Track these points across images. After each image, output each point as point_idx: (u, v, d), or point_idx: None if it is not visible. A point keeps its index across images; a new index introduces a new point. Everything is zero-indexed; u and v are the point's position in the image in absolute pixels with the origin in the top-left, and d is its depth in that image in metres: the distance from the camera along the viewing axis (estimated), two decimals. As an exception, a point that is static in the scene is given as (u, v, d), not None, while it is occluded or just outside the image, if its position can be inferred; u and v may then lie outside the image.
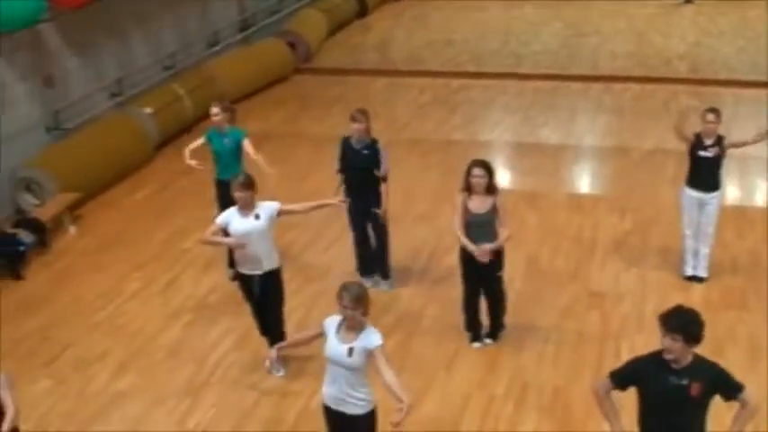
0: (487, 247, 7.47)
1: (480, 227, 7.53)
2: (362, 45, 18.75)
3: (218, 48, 15.80)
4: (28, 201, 11.01)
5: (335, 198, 8.19)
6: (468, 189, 7.55)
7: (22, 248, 9.83)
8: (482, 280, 7.83)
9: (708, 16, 19.30)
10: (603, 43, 17.84)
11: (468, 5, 20.85)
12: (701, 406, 4.94)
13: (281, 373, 7.74)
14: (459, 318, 8.34)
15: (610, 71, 15.90)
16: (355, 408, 5.61)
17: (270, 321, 7.70)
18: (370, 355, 5.46)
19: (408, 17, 21.03)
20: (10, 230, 10.10)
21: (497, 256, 7.67)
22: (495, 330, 8.11)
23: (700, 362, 4.92)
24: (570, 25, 19.30)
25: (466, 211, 7.55)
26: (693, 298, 8.34)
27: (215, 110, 8.96)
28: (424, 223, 10.46)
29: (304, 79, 16.53)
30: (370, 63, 17.12)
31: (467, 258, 7.68)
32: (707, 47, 17.07)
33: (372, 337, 5.48)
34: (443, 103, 14.84)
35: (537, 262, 9.39)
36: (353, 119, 8.57)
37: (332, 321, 5.58)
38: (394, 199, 10.75)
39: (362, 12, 20.91)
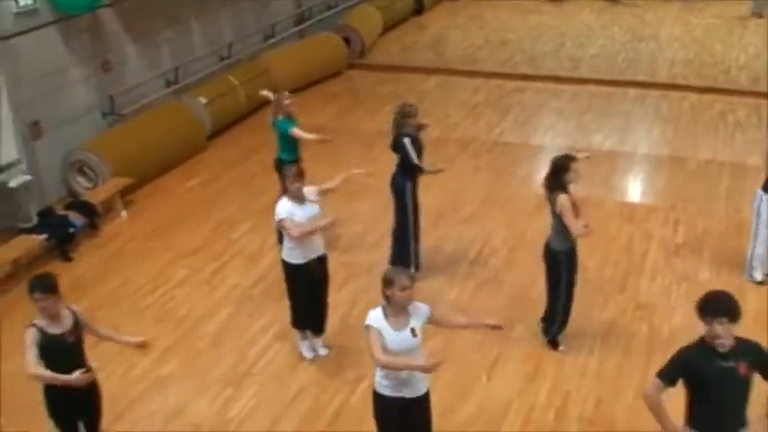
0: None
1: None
2: (417, 43, 18.70)
3: (273, 40, 15.89)
4: (81, 184, 11.18)
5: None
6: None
7: (72, 230, 9.98)
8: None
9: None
10: (661, 50, 17.57)
11: (525, 7, 20.73)
12: (748, 384, 5.04)
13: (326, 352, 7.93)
14: (501, 323, 8.29)
15: (667, 79, 15.64)
16: (423, 383, 5.63)
17: (323, 305, 7.86)
18: (430, 321, 5.60)
19: (464, 16, 20.93)
20: (61, 212, 10.26)
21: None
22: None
23: (741, 342, 5.01)
24: (628, 30, 19.05)
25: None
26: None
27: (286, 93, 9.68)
28: (471, 224, 10.40)
29: (357, 75, 16.54)
30: (423, 61, 17.06)
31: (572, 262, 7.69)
32: (769, 59, 16.74)
33: (421, 309, 5.57)
34: (496, 104, 14.74)
35: (585, 271, 9.21)
36: (411, 115, 8.79)
37: (376, 318, 5.52)
38: (441, 198, 10.80)
39: (418, 10, 20.87)
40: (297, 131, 9.36)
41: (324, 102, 14.83)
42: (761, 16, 19.34)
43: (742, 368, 4.93)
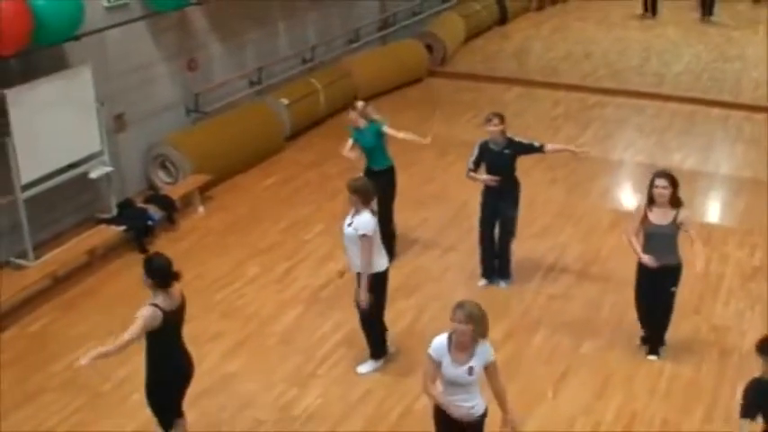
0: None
1: (660, 239, 7.49)
2: (499, 53, 18.63)
3: (356, 45, 16.01)
4: (161, 178, 11.43)
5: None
6: (651, 200, 7.48)
7: (150, 223, 10.22)
8: (656, 293, 7.73)
9: None
10: (747, 70, 17.16)
11: (611, 20, 20.49)
12: None
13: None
14: (570, 339, 8.24)
15: (752, 100, 15.28)
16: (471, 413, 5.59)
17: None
18: (486, 367, 5.48)
19: (548, 28, 20.77)
20: (141, 205, 10.52)
21: (676, 271, 7.66)
22: (656, 345, 7.98)
23: None
24: (713, 49, 18.66)
25: (646, 221, 7.50)
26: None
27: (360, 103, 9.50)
28: (544, 238, 10.32)
29: (438, 82, 16.55)
30: (505, 71, 17.00)
31: (644, 272, 7.66)
32: None
33: (487, 352, 5.47)
34: (576, 117, 14.59)
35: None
36: (488, 120, 8.71)
37: (437, 347, 5.49)
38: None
39: (502, 19, 20.79)
40: (390, 130, 9.18)
41: (402, 107, 14.85)
42: None
43: None
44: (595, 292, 9.11)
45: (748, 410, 5.42)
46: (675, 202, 7.48)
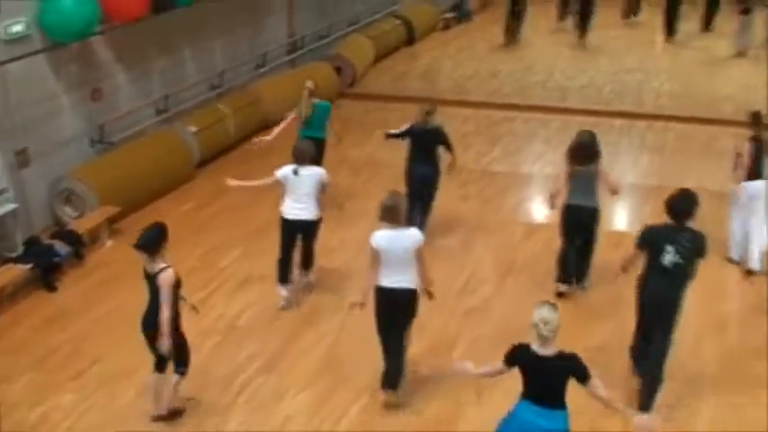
0: None
1: (582, 181, 8.97)
2: (408, 73, 18.81)
3: (265, 69, 15.96)
4: (67, 212, 11.14)
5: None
6: None
7: (56, 260, 9.93)
8: (579, 233, 9.22)
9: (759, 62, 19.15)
10: (648, 81, 17.74)
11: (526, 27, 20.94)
12: None
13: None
14: (489, 351, 8.30)
15: (653, 109, 15.77)
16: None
17: None
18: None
19: (455, 47, 21.09)
20: (47, 241, 10.22)
21: (595, 213, 9.17)
22: (582, 275, 9.49)
23: None
24: (615, 61, 19.22)
25: (571, 169, 8.99)
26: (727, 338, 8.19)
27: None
28: (459, 252, 10.41)
29: (348, 104, 16.60)
30: (414, 91, 17.13)
31: (569, 216, 9.19)
32: (755, 89, 16.80)
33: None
34: (486, 133, 14.81)
35: (571, 297, 9.28)
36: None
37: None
38: (429, 226, 10.83)
39: (410, 40, 21.02)
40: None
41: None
42: (743, 55, 19.47)
43: None
44: (512, 304, 9.21)
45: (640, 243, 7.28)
46: (595, 155, 8.90)
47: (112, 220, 11.07)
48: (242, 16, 15.30)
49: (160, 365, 7.16)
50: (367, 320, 8.83)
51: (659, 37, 21.02)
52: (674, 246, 7.12)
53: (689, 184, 9.72)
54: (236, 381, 7.99)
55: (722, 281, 9.73)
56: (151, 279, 6.92)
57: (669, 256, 7.13)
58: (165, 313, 6.72)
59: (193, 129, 13.08)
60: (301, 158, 8.85)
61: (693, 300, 8.18)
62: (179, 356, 7.15)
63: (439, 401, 7.63)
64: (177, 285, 6.91)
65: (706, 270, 7.90)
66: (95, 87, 11.89)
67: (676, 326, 7.31)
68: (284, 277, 9.16)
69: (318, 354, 8.38)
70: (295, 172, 8.79)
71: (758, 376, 7.97)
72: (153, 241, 6.93)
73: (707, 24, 21.78)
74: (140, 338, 8.62)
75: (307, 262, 9.50)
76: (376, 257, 7.16)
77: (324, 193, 8.98)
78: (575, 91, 17.14)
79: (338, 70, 16.99)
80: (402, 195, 7.65)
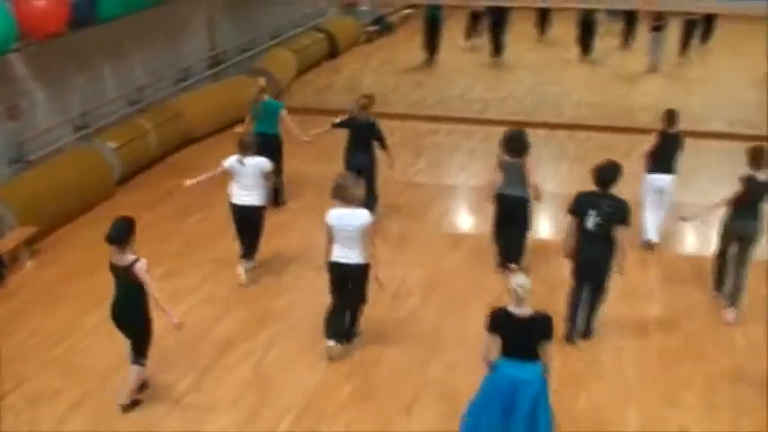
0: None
1: (512, 171, 9.68)
2: (331, 86, 18.85)
3: (187, 83, 15.82)
4: (-15, 234, 10.85)
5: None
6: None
7: (-23, 282, 9.69)
8: (510, 220, 10.06)
9: (675, 69, 19.74)
10: (568, 92, 18.13)
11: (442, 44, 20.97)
12: None
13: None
14: (418, 362, 8.38)
15: (573, 119, 16.12)
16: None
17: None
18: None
19: (377, 60, 21.23)
20: (-35, 264, 9.96)
21: (525, 201, 9.93)
22: (517, 258, 9.88)
23: None
24: (535, 73, 19.60)
25: (503, 162, 9.69)
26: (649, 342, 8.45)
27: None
28: (385, 265, 10.38)
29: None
30: (338, 103, 17.10)
31: (501, 205, 10.00)
32: (672, 99, 17.29)
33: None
34: (410, 145, 14.93)
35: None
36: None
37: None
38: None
39: (333, 53, 21.07)
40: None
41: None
42: (654, 71, 19.93)
43: None
44: (439, 314, 9.31)
45: (570, 209, 8.27)
46: (523, 148, 9.62)
47: (32, 241, 10.82)
48: (162, 30, 15.15)
49: (145, 354, 7.63)
50: (294, 336, 8.88)
51: (574, 53, 21.36)
52: (596, 210, 8.18)
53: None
54: (164, 400, 7.89)
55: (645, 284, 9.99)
56: (121, 271, 7.29)
57: (592, 219, 8.19)
58: (157, 296, 7.26)
59: (113, 145, 12.87)
60: (244, 149, 9.66)
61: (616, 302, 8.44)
62: (142, 347, 7.59)
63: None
64: None
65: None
66: (12, 105, 11.64)
67: (606, 282, 8.43)
68: (245, 252, 10.00)
69: (245, 371, 8.33)
70: (240, 161, 9.60)
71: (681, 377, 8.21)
72: (123, 234, 7.27)
73: (626, 41, 22.12)
74: (65, 359, 8.57)
75: (250, 249, 10.09)
76: (329, 233, 8.04)
77: (268, 183, 9.83)
78: (495, 103, 17.42)
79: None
80: (353, 176, 8.41)
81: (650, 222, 10.78)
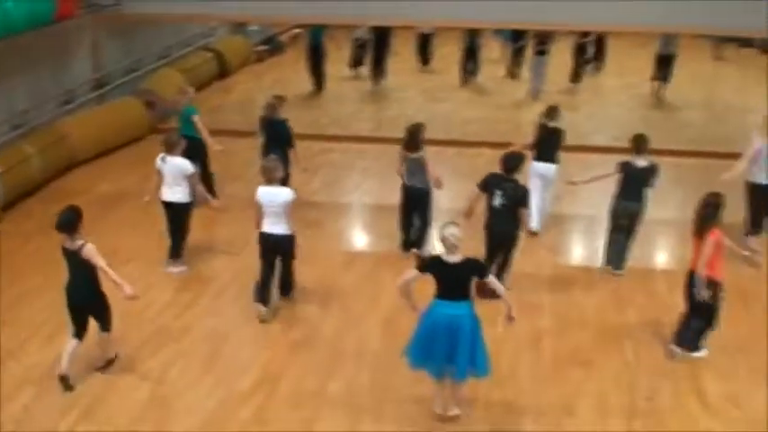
0: None
1: (414, 166, 10.82)
2: (223, 106, 18.68)
3: (72, 106, 15.43)
4: None
5: None
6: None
7: None
8: (414, 208, 11.17)
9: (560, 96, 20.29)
10: (457, 110, 18.44)
11: (327, 71, 20.81)
12: None
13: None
14: (317, 380, 8.36)
15: (463, 136, 16.40)
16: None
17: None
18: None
19: (269, 79, 21.16)
20: None
21: (426, 192, 11.10)
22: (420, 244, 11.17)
23: None
24: (424, 92, 19.84)
25: (405, 157, 10.84)
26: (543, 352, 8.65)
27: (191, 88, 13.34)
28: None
29: (161, 139, 16.22)
30: (230, 124, 17.00)
31: (405, 195, 11.15)
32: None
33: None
34: (305, 164, 14.87)
35: (394, 322, 9.48)
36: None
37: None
38: (256, 258, 10.85)
39: (223, 73, 20.89)
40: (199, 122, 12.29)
41: (127, 168, 14.50)
42: (536, 99, 19.39)
43: None
44: (337, 330, 9.32)
45: (480, 186, 9.72)
46: (418, 144, 10.73)
47: None
48: (45, 52, 14.73)
49: (80, 334, 8.24)
50: (192, 357, 8.73)
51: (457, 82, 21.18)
52: (501, 191, 9.56)
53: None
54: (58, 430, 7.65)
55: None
56: (71, 255, 7.95)
57: (498, 199, 9.60)
58: (110, 272, 7.86)
59: (-6, 170, 12.44)
60: (167, 148, 10.37)
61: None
62: (104, 317, 8.31)
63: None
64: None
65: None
66: None
67: (513, 250, 9.91)
68: (170, 253, 10.64)
69: (141, 396, 8.14)
70: (162, 159, 10.28)
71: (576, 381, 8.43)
72: (71, 222, 7.90)
73: (512, 73, 21.49)
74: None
75: (174, 249, 10.66)
76: (259, 208, 9.17)
77: (191, 183, 10.37)
78: (387, 121, 17.58)
79: (149, 105, 16.66)
80: (277, 159, 9.53)
81: (534, 212, 11.22)
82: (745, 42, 24.88)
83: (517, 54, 21.15)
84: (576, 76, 20.52)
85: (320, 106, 18.64)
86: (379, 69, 20.56)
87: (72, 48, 15.91)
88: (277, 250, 9.47)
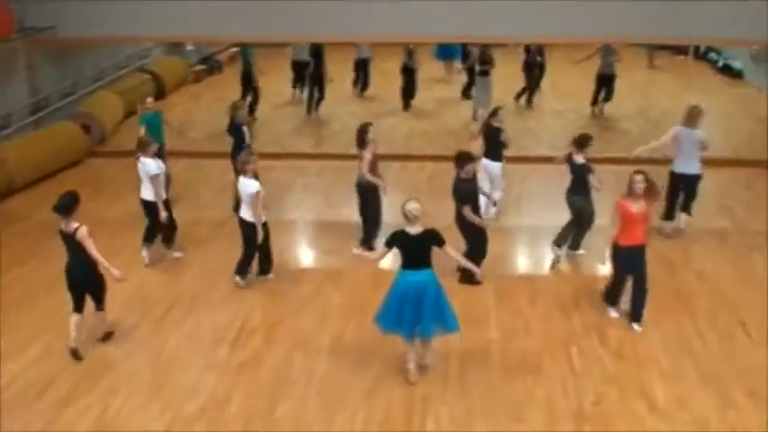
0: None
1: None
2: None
3: (8, 131, 15.15)
4: None
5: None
6: (362, 143, 11.67)
7: None
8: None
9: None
10: (399, 123, 18.50)
11: (265, 91, 20.59)
12: None
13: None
14: (264, 404, 8.29)
15: (405, 150, 16.45)
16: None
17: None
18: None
19: (208, 99, 21.03)
20: None
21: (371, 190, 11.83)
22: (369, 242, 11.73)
23: None
24: (365, 107, 19.86)
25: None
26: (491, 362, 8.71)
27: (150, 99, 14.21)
28: (228, 305, 10.32)
29: (100, 162, 16.10)
30: (169, 144, 16.82)
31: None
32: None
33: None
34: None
35: (341, 341, 9.45)
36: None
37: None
38: (198, 279, 10.75)
39: (160, 94, 20.69)
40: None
41: (64, 191, 14.24)
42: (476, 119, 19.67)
43: None
44: (283, 354, 9.23)
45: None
46: (361, 142, 11.48)
47: None
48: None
49: (79, 308, 9.04)
50: (136, 381, 8.59)
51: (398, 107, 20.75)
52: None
53: (443, 222, 10.36)
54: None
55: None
56: (68, 238, 8.74)
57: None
58: (98, 257, 8.72)
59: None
60: (138, 148, 11.14)
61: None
62: (99, 297, 9.13)
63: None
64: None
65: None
66: None
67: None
68: (146, 238, 11.39)
69: (84, 429, 7.98)
70: (137, 159, 11.05)
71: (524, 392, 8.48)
72: (67, 205, 8.78)
73: (464, 93, 20.99)
74: None
75: (164, 241, 11.53)
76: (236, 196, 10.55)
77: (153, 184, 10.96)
78: (327, 137, 17.58)
79: (86, 128, 16.44)
80: (249, 153, 10.54)
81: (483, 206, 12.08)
82: (679, 50, 25.45)
83: (469, 74, 20.60)
84: (520, 95, 20.23)
85: (259, 123, 18.51)
86: (317, 96, 19.58)
87: (7, 72, 15.65)
88: (243, 232, 10.57)
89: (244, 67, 19.42)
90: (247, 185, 10.32)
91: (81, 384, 8.67)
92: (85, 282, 8.95)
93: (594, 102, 19.39)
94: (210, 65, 24.40)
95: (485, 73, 18.57)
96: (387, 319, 8.46)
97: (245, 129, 12.96)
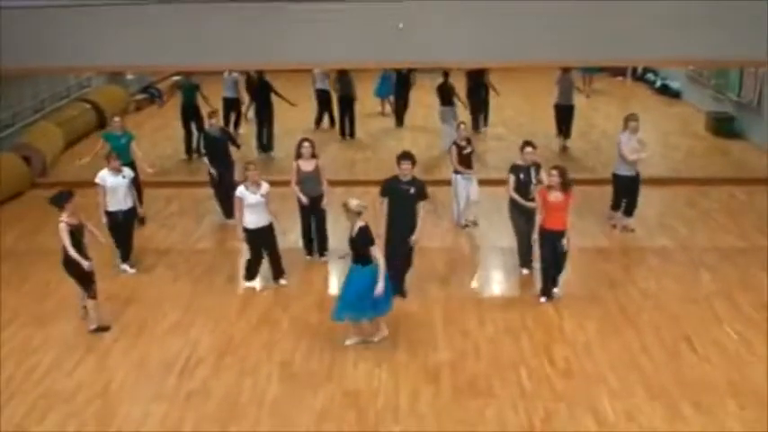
0: None
1: (310, 180, 12.13)
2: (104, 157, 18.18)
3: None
4: None
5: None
6: (299, 156, 12.18)
7: None
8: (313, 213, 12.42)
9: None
10: (343, 153, 18.52)
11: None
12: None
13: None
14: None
15: (350, 176, 16.46)
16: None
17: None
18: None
19: (149, 128, 20.86)
20: None
21: (321, 196, 12.37)
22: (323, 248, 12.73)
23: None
24: (308, 132, 19.78)
25: (300, 171, 12.13)
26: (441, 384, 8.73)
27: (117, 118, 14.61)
28: (175, 335, 10.20)
29: (41, 194, 15.74)
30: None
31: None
32: (435, 148, 18.03)
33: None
34: (190, 212, 14.74)
35: (291, 365, 9.40)
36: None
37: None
38: (143, 310, 10.60)
39: (101, 124, 20.44)
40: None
41: (7, 224, 14.03)
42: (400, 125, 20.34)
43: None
44: (233, 380, 9.15)
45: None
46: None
47: None
48: None
49: (88, 290, 10.04)
50: (85, 414, 8.44)
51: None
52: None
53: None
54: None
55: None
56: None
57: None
58: (70, 249, 9.68)
59: None
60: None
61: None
62: (81, 285, 10.01)
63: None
64: (74, 231, 9.77)
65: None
66: None
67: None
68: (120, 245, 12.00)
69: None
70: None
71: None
72: (57, 200, 9.74)
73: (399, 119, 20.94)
74: None
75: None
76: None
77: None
78: (274, 163, 17.53)
79: (27, 160, 16.20)
80: (249, 162, 11.59)
81: (459, 205, 13.60)
82: (617, 72, 25.86)
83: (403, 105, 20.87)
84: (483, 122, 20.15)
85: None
86: (267, 134, 18.92)
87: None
88: (262, 239, 11.49)
89: (183, 100, 18.54)
90: (248, 195, 11.15)
91: (31, 416, 8.49)
92: (69, 270, 9.88)
93: (560, 132, 18.76)
94: (151, 94, 24.24)
95: (450, 103, 18.24)
96: (342, 312, 9.57)
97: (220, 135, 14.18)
